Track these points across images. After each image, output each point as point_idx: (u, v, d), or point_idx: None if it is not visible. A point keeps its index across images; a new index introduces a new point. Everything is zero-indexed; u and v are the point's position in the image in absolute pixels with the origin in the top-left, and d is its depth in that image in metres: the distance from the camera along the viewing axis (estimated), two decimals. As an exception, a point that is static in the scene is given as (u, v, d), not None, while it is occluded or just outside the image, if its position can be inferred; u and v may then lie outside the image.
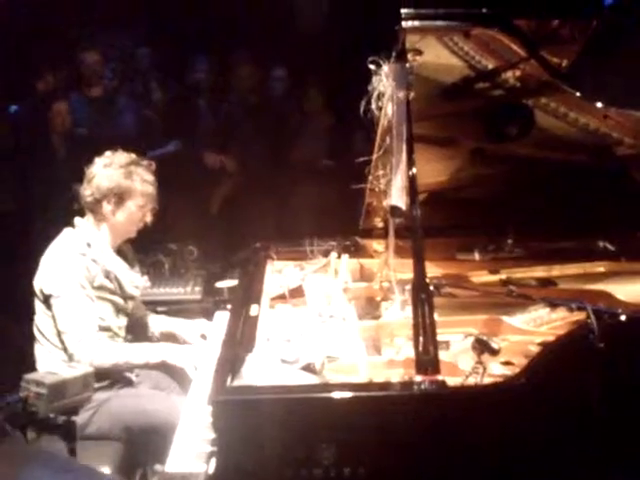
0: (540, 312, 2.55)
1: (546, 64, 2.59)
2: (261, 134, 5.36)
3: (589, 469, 2.10)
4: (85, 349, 2.74)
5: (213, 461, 1.94)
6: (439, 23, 2.38)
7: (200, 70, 5.70)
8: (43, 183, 5.08)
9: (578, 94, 2.66)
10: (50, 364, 2.75)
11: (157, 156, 4.63)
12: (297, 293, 2.91)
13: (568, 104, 2.74)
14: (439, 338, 2.09)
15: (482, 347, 2.11)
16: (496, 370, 2.22)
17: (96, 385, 2.36)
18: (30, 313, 2.92)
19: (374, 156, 2.72)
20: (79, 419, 2.12)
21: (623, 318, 2.20)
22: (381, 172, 2.71)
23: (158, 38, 6.12)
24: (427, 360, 1.99)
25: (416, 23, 2.32)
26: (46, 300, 2.82)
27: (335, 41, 5.81)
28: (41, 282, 2.84)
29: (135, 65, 6.00)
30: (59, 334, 2.79)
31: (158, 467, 2.63)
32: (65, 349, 2.78)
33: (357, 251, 3.20)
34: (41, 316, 2.86)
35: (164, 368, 2.93)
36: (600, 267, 3.02)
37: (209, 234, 4.84)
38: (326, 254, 3.13)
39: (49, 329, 2.84)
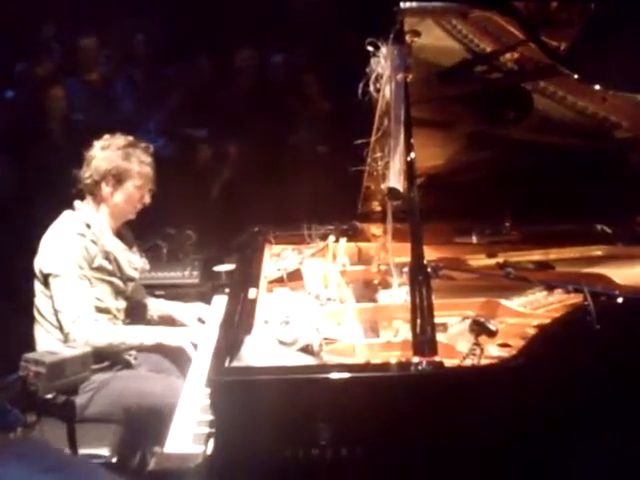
0: (537, 295, 2.56)
1: (544, 47, 2.58)
2: (259, 119, 5.35)
3: (584, 451, 2.11)
4: (80, 328, 2.76)
5: (211, 442, 1.96)
6: (437, 5, 2.38)
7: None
8: (40, 169, 5.07)
9: (576, 77, 2.66)
10: (49, 344, 2.78)
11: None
12: (295, 277, 2.91)
13: (566, 87, 2.74)
14: (436, 320, 2.10)
15: (479, 329, 2.12)
16: (493, 352, 2.23)
17: (95, 367, 2.38)
18: (31, 297, 2.93)
19: (372, 139, 2.72)
20: (78, 401, 2.13)
21: (620, 300, 2.21)
22: (379, 155, 2.71)
23: (155, 25, 6.10)
24: (424, 341, 2.00)
25: (414, 5, 2.32)
26: (45, 280, 2.85)
27: (332, 23, 5.78)
28: (40, 262, 2.87)
29: (131, 51, 5.98)
30: (56, 313, 2.81)
31: (157, 448, 2.64)
32: (61, 328, 2.80)
33: (355, 235, 3.20)
34: (40, 296, 2.89)
35: (162, 350, 2.95)
36: (598, 251, 3.02)
37: (207, 218, 4.84)
38: (324, 238, 3.13)
39: (47, 309, 2.86)
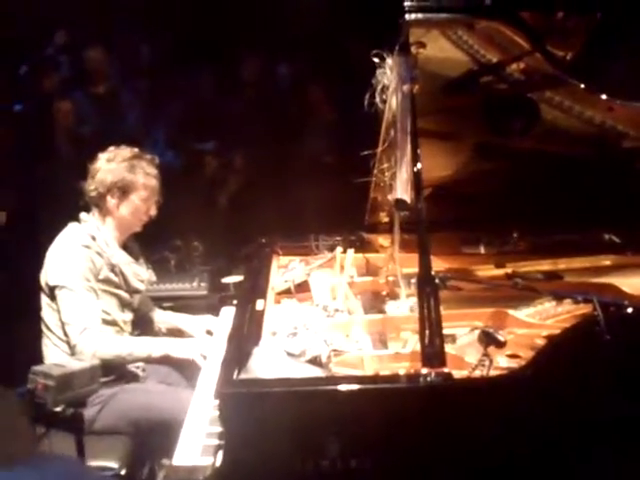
0: (546, 305, 2.55)
1: (550, 57, 2.58)
2: (265, 130, 5.37)
3: (594, 462, 2.09)
4: (88, 340, 2.75)
5: (220, 454, 1.95)
6: (443, 16, 2.38)
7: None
8: (47, 182, 5.09)
9: (582, 86, 2.66)
10: (56, 356, 2.77)
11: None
12: (303, 288, 2.91)
13: (573, 97, 2.73)
14: (445, 331, 2.09)
15: (488, 339, 2.11)
16: (502, 363, 2.22)
17: (103, 380, 2.37)
18: (37, 309, 2.93)
19: (378, 150, 2.72)
20: (86, 414, 2.13)
21: (629, 310, 2.20)
22: (386, 166, 2.71)
23: (160, 35, 6.13)
24: (433, 353, 1.99)
25: (420, 16, 2.32)
26: (51, 292, 2.85)
27: (338, 34, 5.80)
28: (46, 275, 2.87)
29: (137, 63, 6.01)
30: (63, 326, 2.81)
31: (166, 461, 2.63)
32: (68, 341, 2.80)
33: (362, 246, 3.20)
34: (46, 309, 2.89)
35: (170, 362, 2.94)
36: (606, 260, 3.01)
37: (214, 230, 4.85)
38: (331, 249, 3.13)
39: (54, 321, 2.85)
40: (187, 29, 6.05)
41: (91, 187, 2.95)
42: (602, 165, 2.89)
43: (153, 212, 3.01)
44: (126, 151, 2.98)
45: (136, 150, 3.02)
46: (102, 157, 2.98)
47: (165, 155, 4.88)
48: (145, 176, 2.95)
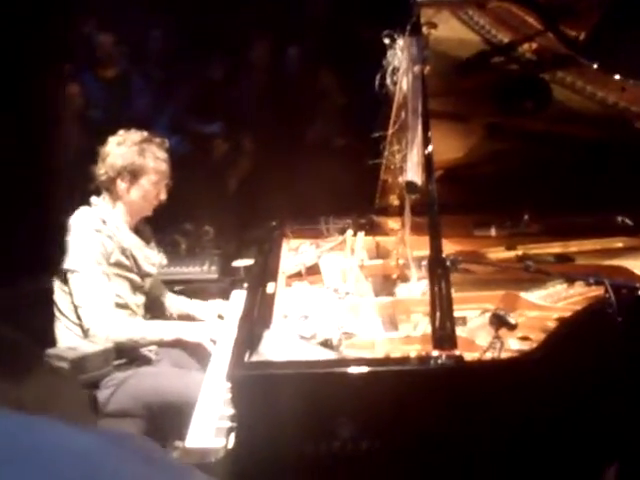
0: (557, 288, 2.54)
1: (562, 37, 2.55)
2: (275, 113, 5.35)
3: (607, 444, 2.09)
4: (101, 323, 2.77)
5: (232, 436, 1.96)
6: (454, -4, 2.36)
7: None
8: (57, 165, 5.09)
9: (595, 67, 2.63)
10: (69, 340, 2.79)
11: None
12: (313, 271, 2.91)
13: (585, 77, 2.71)
14: (456, 314, 2.09)
15: (499, 322, 2.10)
16: (513, 345, 2.21)
17: (115, 363, 2.39)
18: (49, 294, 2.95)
19: (389, 132, 2.71)
20: (100, 396, 2.15)
21: (641, 292, 2.19)
22: (396, 148, 2.70)
23: (170, 20, 6.10)
24: (444, 335, 1.99)
25: (431, -4, 2.30)
26: (63, 276, 2.86)
27: (347, 15, 5.76)
28: None
29: (146, 48, 5.99)
30: (76, 309, 2.83)
31: (178, 443, 2.65)
32: (81, 324, 2.81)
33: (373, 229, 3.19)
34: (59, 293, 2.90)
35: (182, 346, 2.96)
36: (618, 243, 2.99)
37: (225, 214, 4.85)
38: (342, 232, 3.13)
39: (66, 305, 2.87)
40: (196, 13, 6.01)
41: (101, 171, 2.96)
42: (614, 146, 2.87)
43: (163, 196, 3.02)
44: (136, 135, 2.99)
45: (146, 134, 3.02)
46: (112, 141, 2.98)
47: (175, 139, 4.86)
48: (155, 160, 2.96)
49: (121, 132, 3.01)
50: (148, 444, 0.78)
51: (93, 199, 2.97)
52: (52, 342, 2.88)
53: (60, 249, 2.82)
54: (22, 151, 4.09)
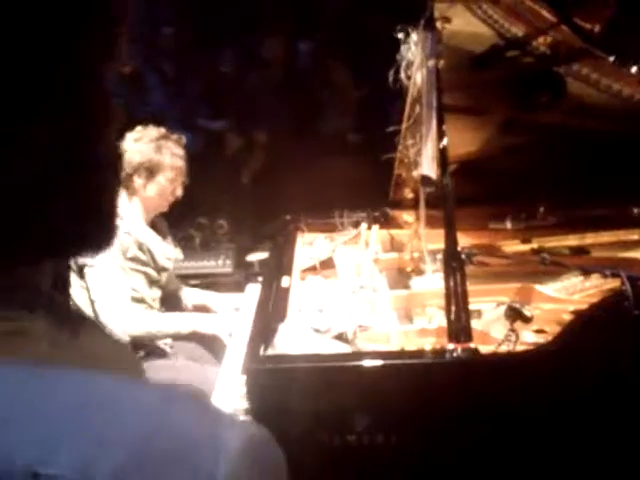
0: (573, 280, 2.53)
1: (577, 29, 2.54)
2: (290, 107, 5.36)
3: (622, 437, 2.09)
4: (117, 318, 2.79)
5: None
6: (468, -10, 2.35)
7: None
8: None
9: (611, 59, 2.62)
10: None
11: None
12: (328, 265, 2.92)
13: (601, 70, 2.70)
14: (471, 307, 2.09)
15: (515, 315, 2.10)
16: (529, 338, 2.21)
17: (131, 356, 2.40)
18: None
19: (403, 126, 2.71)
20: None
21: (658, 285, 2.18)
22: (410, 142, 2.70)
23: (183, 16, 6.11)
24: (459, 328, 1.99)
25: (444, -10, 2.30)
26: (80, 271, 2.88)
27: (360, 9, 5.75)
28: None
29: (159, 44, 6.01)
30: (92, 304, 2.85)
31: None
32: (98, 318, 2.84)
33: (387, 222, 3.20)
34: (75, 288, 2.92)
35: (198, 339, 2.98)
36: (634, 235, 2.98)
37: (239, 208, 4.86)
38: (356, 225, 3.13)
39: (83, 300, 2.89)
40: (209, 8, 6.02)
41: (118, 167, 2.98)
42: (630, 139, 2.85)
43: (179, 193, 3.03)
44: (153, 131, 3.00)
45: (163, 130, 3.03)
46: (129, 137, 2.99)
47: (188, 134, 4.88)
48: (172, 157, 2.97)
49: (138, 128, 3.02)
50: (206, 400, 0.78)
51: (109, 194, 2.99)
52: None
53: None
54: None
